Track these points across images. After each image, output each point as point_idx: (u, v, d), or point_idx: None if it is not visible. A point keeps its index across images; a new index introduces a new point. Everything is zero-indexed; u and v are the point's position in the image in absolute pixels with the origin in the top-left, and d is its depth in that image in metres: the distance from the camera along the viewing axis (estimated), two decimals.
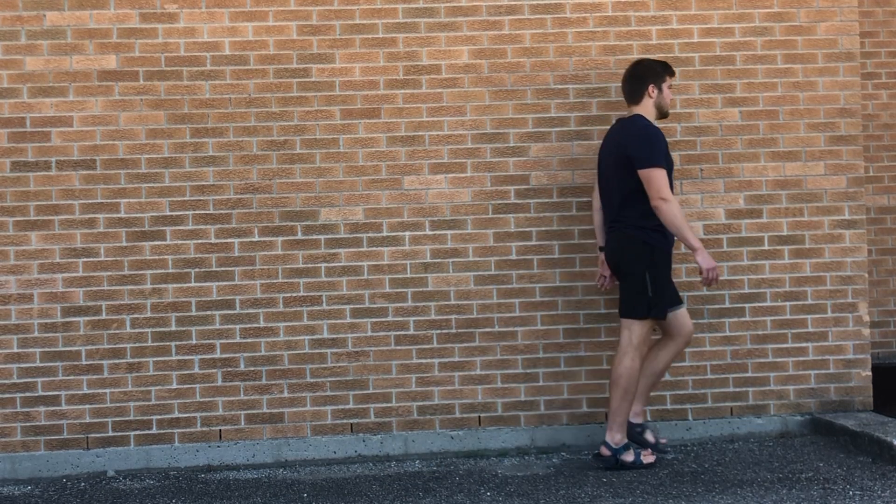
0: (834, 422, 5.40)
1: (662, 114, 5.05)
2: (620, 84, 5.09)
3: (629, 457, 4.90)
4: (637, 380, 4.92)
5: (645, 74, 4.96)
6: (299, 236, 5.40)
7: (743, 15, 5.54)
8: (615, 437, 4.98)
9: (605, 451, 4.97)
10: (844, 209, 5.62)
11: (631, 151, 4.79)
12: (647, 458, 4.93)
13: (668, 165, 5.00)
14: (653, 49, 5.43)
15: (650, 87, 4.90)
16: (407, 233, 5.48)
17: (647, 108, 4.95)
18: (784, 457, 5.11)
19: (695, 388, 5.55)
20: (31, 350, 5.20)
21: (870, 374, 5.69)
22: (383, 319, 5.45)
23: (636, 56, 5.42)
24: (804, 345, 5.63)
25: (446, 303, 5.48)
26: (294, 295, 5.38)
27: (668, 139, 5.38)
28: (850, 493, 4.37)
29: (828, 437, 5.44)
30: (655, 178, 4.77)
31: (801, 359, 5.65)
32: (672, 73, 5.08)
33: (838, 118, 5.64)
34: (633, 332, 4.88)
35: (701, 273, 4.85)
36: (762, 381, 5.60)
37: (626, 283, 4.92)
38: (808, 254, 5.65)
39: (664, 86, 4.99)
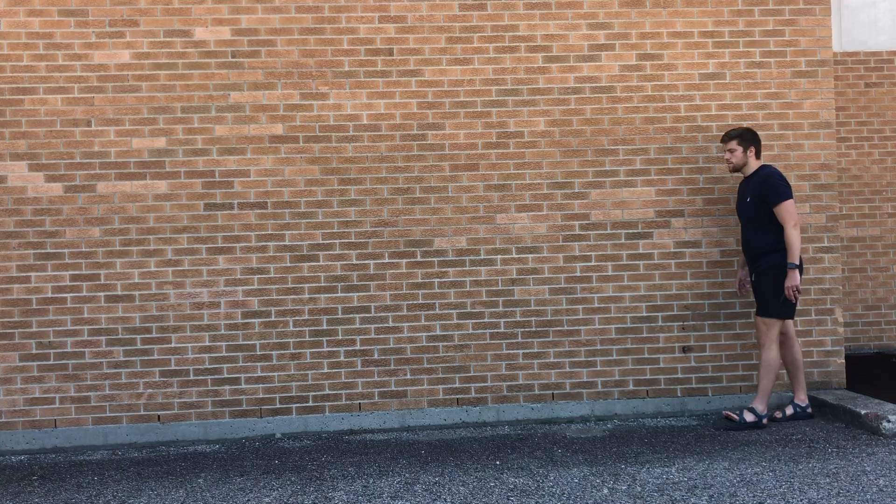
0: (817, 397, 5.82)
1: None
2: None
3: (754, 418, 5.42)
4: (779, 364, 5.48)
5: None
6: (419, 259, 5.80)
7: (748, 94, 6.00)
8: (760, 406, 5.45)
9: (749, 416, 5.42)
10: (824, 238, 6.03)
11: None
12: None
13: (737, 204, 5.63)
14: (681, 119, 5.94)
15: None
16: (499, 256, 5.85)
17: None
18: (779, 423, 5.55)
19: (713, 372, 5.98)
20: (218, 343, 5.68)
21: (843, 361, 6.06)
22: (481, 321, 5.83)
23: (669, 125, 5.93)
24: None
25: (528, 308, 5.87)
26: (414, 302, 5.80)
27: (692, 187, 5.99)
28: (829, 450, 4.84)
29: (812, 408, 5.80)
30: None
31: None
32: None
33: (819, 171, 6.03)
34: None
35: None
36: None
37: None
38: None
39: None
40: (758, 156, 5.62)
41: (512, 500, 4.14)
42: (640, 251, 6.00)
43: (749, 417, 5.45)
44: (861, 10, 7.65)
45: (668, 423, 5.74)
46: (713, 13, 6.01)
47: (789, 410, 5.68)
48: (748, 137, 5.56)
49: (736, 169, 5.62)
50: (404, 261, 5.84)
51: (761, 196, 5.49)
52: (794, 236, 5.37)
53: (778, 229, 5.44)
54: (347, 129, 5.81)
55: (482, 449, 5.16)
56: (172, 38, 5.71)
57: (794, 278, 5.38)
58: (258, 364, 5.74)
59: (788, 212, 5.38)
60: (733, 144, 5.54)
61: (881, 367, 7.14)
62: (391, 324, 5.82)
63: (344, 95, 5.81)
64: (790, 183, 5.64)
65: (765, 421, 5.49)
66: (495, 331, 5.90)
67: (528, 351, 5.92)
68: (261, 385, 5.74)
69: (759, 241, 5.51)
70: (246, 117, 5.76)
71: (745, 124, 6.05)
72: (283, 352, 5.75)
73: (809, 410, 5.72)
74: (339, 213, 5.80)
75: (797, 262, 5.42)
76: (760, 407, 5.44)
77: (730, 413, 5.52)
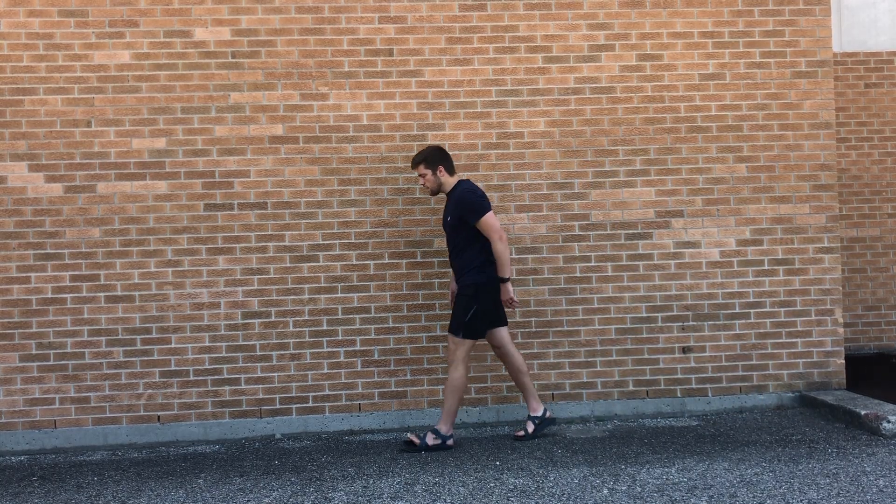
0: (817, 397, 5.93)
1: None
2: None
3: (436, 440, 5.28)
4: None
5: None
6: (418, 259, 5.88)
7: (748, 95, 6.11)
8: (444, 428, 5.29)
9: (430, 439, 5.24)
10: (824, 239, 6.14)
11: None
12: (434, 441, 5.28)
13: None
14: (681, 120, 6.04)
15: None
16: None
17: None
18: (780, 424, 5.62)
19: (713, 372, 6.09)
20: (218, 344, 5.75)
21: (843, 362, 6.16)
22: None
23: (669, 125, 6.04)
24: (794, 340, 6.14)
25: (528, 309, 5.95)
26: (414, 303, 5.87)
27: (692, 187, 6.00)
28: (829, 450, 4.92)
29: (812, 409, 5.96)
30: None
31: (792, 350, 6.12)
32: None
33: (819, 171, 6.14)
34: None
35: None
36: (763, 367, 6.11)
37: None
38: (797, 272, 6.14)
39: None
40: (450, 172, 5.42)
41: (512, 501, 4.18)
42: (640, 251, 6.11)
43: (430, 440, 5.28)
44: (861, 10, 7.75)
45: (668, 424, 5.83)
46: (713, 14, 6.12)
47: (530, 427, 5.48)
48: (433, 158, 5.38)
49: (434, 192, 5.47)
50: (404, 261, 5.92)
51: (460, 216, 5.32)
52: (501, 250, 5.24)
53: (481, 247, 5.29)
54: (347, 129, 5.90)
55: (482, 449, 5.23)
56: (172, 38, 5.80)
57: (507, 291, 5.31)
58: (258, 364, 5.82)
59: (490, 225, 5.23)
60: (421, 169, 5.40)
61: (881, 367, 7.23)
62: (391, 324, 5.89)
63: (344, 96, 5.89)
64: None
65: (449, 442, 5.31)
66: None
67: (527, 351, 6.00)
68: (261, 385, 5.82)
69: (461, 259, 5.36)
70: (246, 118, 5.83)
71: (745, 125, 6.16)
72: (282, 352, 5.83)
73: (549, 415, 5.52)
74: (339, 214, 5.88)
75: (507, 276, 5.30)
76: (445, 428, 5.28)
77: (412, 437, 5.34)
